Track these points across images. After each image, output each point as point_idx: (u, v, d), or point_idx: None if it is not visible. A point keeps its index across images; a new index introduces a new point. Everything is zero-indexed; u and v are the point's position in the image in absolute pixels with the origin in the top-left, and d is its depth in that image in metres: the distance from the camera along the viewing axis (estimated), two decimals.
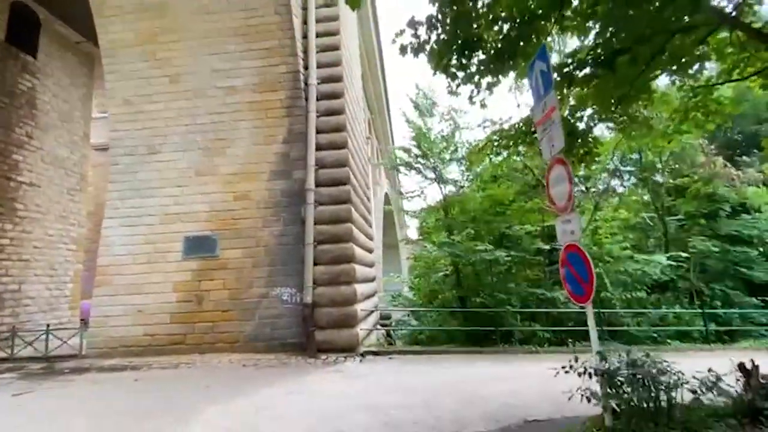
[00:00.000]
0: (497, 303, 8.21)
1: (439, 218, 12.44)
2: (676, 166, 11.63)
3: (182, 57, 8.18)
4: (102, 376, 6.34)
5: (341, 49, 8.63)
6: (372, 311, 8.99)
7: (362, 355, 6.90)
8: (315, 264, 7.29)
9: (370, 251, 10.66)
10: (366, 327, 7.87)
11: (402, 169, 12.59)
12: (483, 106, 5.46)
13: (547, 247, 9.19)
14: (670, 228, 11.33)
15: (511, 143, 5.21)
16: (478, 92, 5.38)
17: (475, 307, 8.52)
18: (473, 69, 5.00)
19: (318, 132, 7.96)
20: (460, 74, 5.09)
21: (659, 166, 11.73)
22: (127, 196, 8.12)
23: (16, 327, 8.28)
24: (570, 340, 8.91)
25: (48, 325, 7.90)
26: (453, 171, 12.27)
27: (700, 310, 9.15)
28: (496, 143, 5.30)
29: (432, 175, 11.99)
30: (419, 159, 12.02)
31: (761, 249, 10.99)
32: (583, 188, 11.40)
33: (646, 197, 12.75)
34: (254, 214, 7.80)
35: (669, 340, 8.51)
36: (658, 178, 11.91)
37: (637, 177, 14.57)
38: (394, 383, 5.29)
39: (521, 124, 5.27)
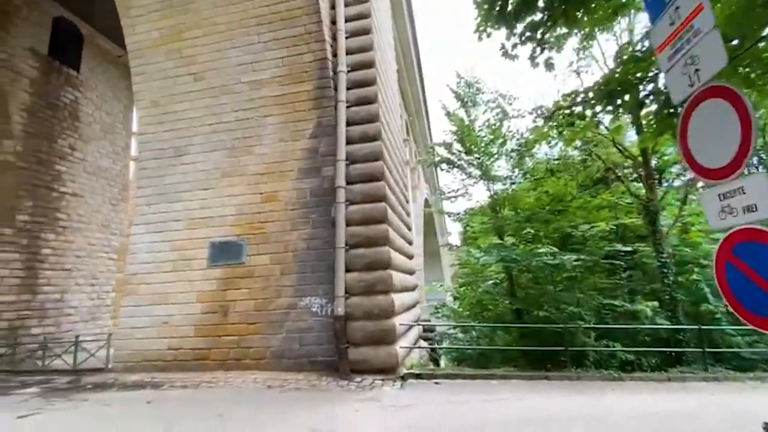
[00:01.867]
0: (566, 317, 6.78)
1: (486, 220, 11.12)
2: None
3: (207, 53, 7.75)
4: (119, 395, 5.82)
5: (373, 33, 7.81)
6: (413, 325, 7.91)
7: (403, 378, 5.85)
8: (347, 270, 6.38)
9: (410, 257, 9.60)
10: (406, 344, 6.81)
11: (443, 166, 11.44)
12: (549, 67, 4.32)
13: (628, 248, 7.59)
14: None
15: (587, 109, 4.01)
16: (542, 50, 4.28)
17: (538, 321, 7.15)
18: (536, 17, 3.92)
19: (349, 124, 7.13)
20: (520, 25, 4.03)
21: None
22: (153, 201, 7.75)
23: (47, 338, 8.13)
24: (653, 361, 7.41)
25: (77, 337, 7.65)
26: (501, 167, 10.95)
27: None
28: (567, 112, 4.12)
29: (477, 172, 10.75)
30: (462, 155, 10.84)
31: None
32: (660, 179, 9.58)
33: None
34: (282, 217, 7.09)
35: None
36: None
37: None
38: (443, 422, 4.19)
39: (601, 84, 4.07)
